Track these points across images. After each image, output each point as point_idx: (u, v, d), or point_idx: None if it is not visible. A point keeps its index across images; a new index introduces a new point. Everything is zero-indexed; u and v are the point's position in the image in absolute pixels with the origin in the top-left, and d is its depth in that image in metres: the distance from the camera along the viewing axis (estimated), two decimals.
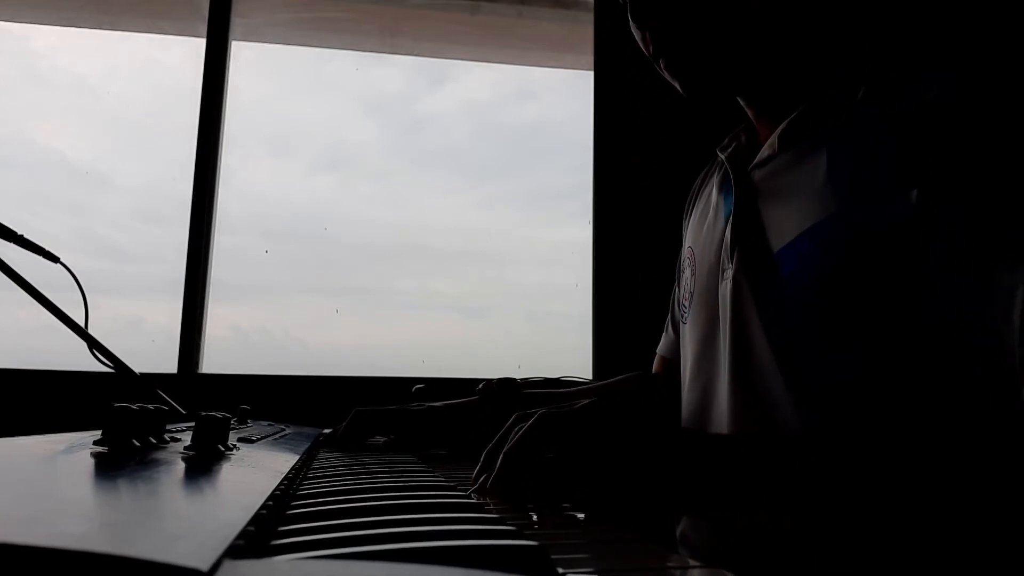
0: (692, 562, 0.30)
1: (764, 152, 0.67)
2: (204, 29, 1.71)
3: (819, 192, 0.59)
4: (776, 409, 0.60)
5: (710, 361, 0.69)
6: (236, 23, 1.75)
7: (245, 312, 1.78)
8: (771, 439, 0.59)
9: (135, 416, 0.41)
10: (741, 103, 0.72)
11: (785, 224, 0.62)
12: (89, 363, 0.98)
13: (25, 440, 0.42)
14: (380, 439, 0.89)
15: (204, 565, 0.17)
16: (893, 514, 0.49)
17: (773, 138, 0.66)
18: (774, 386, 0.60)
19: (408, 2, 1.85)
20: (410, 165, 1.93)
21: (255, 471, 0.41)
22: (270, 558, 0.24)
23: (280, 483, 0.38)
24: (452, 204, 1.90)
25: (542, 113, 2.02)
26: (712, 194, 0.76)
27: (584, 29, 1.81)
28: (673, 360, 0.87)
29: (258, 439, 0.63)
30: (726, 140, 0.76)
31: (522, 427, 0.50)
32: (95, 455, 0.37)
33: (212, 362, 1.63)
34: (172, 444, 0.45)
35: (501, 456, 0.49)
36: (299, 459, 0.56)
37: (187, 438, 0.47)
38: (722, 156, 0.74)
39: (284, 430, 0.86)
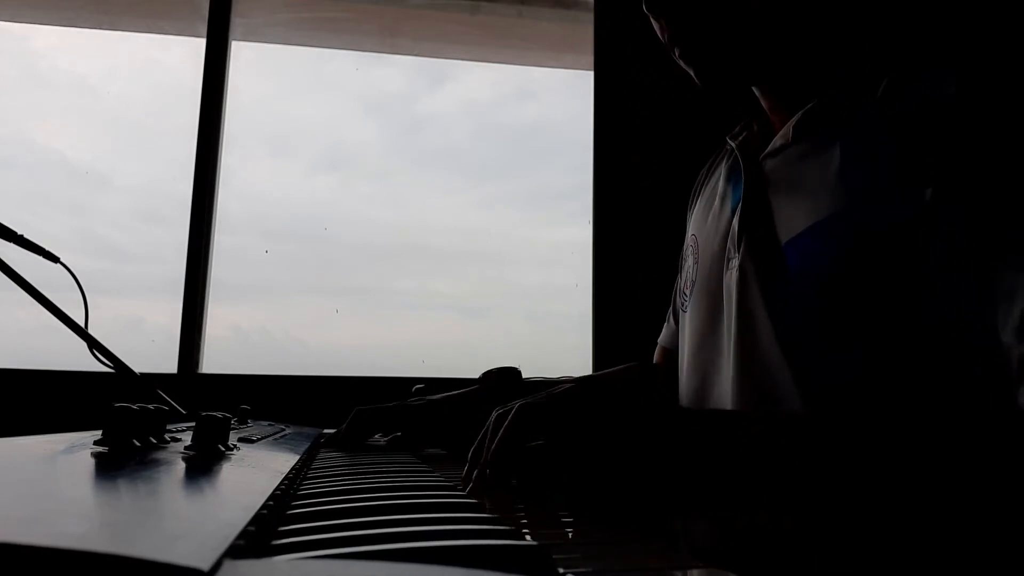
0: (692, 562, 0.30)
1: (777, 141, 0.66)
2: (204, 29, 1.71)
3: (829, 187, 0.59)
4: (781, 402, 0.59)
5: (711, 350, 0.69)
6: (236, 23, 1.75)
7: (245, 312, 1.78)
8: (772, 414, 0.59)
9: (135, 416, 0.41)
10: (756, 93, 0.71)
11: (794, 216, 0.61)
12: (89, 363, 0.98)
13: (25, 440, 0.42)
14: (381, 439, 0.88)
15: (205, 565, 0.17)
16: (893, 514, 0.49)
17: (787, 128, 0.65)
18: (780, 379, 0.60)
19: (408, 2, 1.85)
20: (410, 165, 1.93)
21: (255, 471, 0.41)
22: (270, 558, 0.24)
23: (280, 483, 0.38)
24: (452, 204, 1.90)
25: (542, 113, 2.02)
26: (719, 182, 0.75)
27: (584, 29, 1.81)
28: (674, 350, 0.86)
29: (258, 439, 0.63)
30: (737, 128, 0.75)
31: (503, 421, 0.50)
32: (95, 455, 0.37)
33: (212, 362, 1.63)
34: (172, 444, 0.45)
35: (485, 453, 0.49)
36: (299, 459, 0.56)
37: (187, 438, 0.46)
38: (732, 144, 0.73)
39: (284, 430, 0.86)
